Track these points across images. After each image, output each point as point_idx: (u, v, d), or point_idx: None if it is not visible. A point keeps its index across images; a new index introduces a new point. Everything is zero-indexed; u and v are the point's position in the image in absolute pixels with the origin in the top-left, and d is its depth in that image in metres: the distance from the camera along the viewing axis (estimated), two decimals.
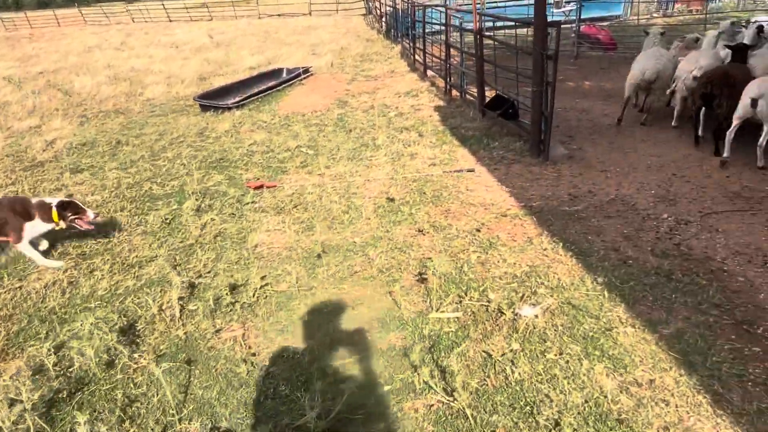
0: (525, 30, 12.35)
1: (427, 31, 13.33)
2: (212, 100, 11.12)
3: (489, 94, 9.42)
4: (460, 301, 4.20)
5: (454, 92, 11.11)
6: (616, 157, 7.39)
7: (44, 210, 4.90)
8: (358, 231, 5.54)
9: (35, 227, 4.91)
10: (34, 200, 4.95)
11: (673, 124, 8.38)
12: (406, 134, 8.82)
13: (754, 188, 6.17)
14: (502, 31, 13.36)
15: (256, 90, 12.01)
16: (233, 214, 6.08)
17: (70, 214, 4.93)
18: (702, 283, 4.31)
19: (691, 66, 7.56)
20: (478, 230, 5.37)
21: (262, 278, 4.69)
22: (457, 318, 3.96)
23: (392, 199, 6.14)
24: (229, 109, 10.64)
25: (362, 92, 12.30)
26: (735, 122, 6.52)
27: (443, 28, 11.09)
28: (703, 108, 7.15)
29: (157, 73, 15.30)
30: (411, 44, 15.10)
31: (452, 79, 11.25)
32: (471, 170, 6.99)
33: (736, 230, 5.26)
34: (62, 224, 4.95)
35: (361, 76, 14.31)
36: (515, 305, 4.06)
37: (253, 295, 4.42)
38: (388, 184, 6.66)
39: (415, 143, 8.30)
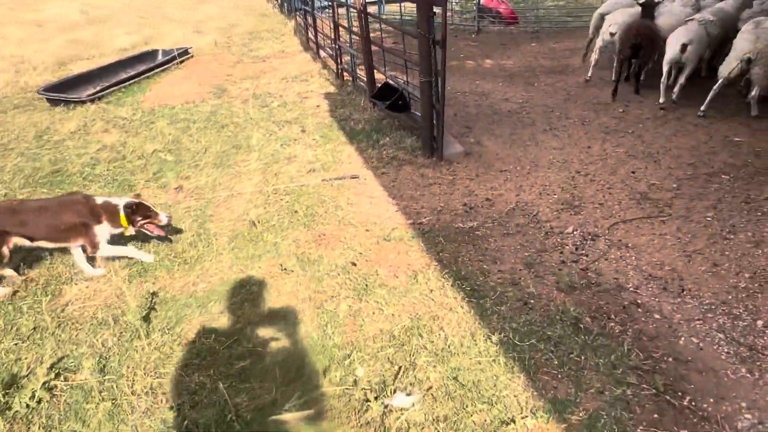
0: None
1: (317, 5, 11.94)
2: (65, 91, 9.30)
3: (382, 79, 8.29)
4: (316, 387, 3.11)
5: (347, 76, 9.89)
6: (516, 152, 6.53)
7: (111, 212, 4.15)
8: (205, 273, 4.32)
9: (103, 232, 4.15)
10: (98, 199, 4.18)
11: (588, 75, 9.09)
12: (287, 130, 7.56)
13: (660, 186, 5.48)
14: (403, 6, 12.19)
15: (120, 78, 10.23)
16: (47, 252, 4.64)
17: (140, 218, 4.22)
18: (615, 331, 3.47)
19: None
20: (354, 264, 4.30)
21: (52, 366, 3.37)
22: (306, 419, 2.87)
23: (255, 224, 4.91)
24: (83, 102, 8.89)
25: (246, 77, 10.82)
26: (665, 68, 7.41)
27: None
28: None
29: (6, 58, 12.96)
30: (304, 20, 13.65)
31: (344, 61, 10.01)
32: (354, 177, 5.88)
33: (647, 245, 4.50)
34: (131, 230, 4.25)
35: (248, 57, 12.76)
36: (386, 391, 3.02)
37: (33, 397, 3.12)
38: (254, 200, 5.43)
39: (295, 142, 7.07)
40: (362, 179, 5.93)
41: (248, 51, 13.39)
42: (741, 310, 3.73)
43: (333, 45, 10.04)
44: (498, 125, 7.46)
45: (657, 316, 3.68)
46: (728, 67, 6.66)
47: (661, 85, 7.49)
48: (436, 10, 5.68)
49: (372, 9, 15.44)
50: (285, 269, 4.34)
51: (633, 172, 5.88)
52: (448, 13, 15.53)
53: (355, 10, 7.88)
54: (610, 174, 5.88)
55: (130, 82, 10.17)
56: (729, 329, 3.54)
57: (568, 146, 6.65)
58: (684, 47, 7.02)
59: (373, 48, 7.80)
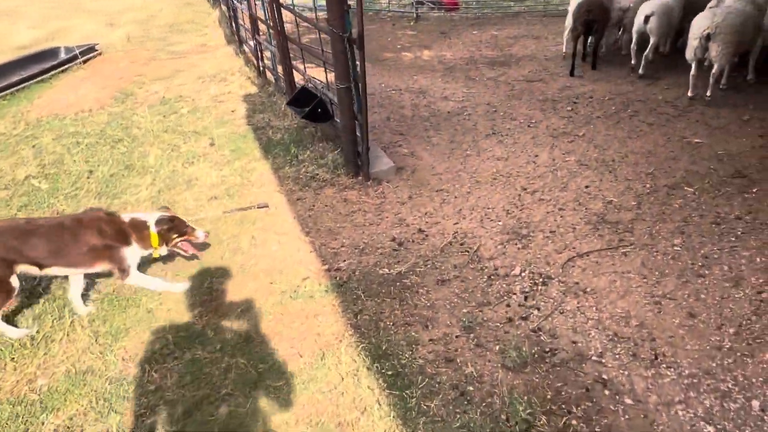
0: None
1: None
2: None
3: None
4: None
5: (270, 74, 8.72)
6: (455, 164, 5.60)
7: (140, 230, 3.50)
8: (49, 361, 3.19)
9: (133, 256, 3.51)
10: (124, 217, 3.54)
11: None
12: (193, 143, 6.39)
13: (618, 204, 4.66)
14: None
15: (6, 83, 8.75)
16: None
17: (175, 236, 3.59)
18: None
19: None
20: (248, 340, 3.27)
21: None
22: None
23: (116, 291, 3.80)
24: None
25: (158, 77, 9.49)
26: (635, 37, 7.63)
27: None
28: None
29: None
30: (227, 9, 12.27)
31: (265, 57, 8.82)
32: (263, 206, 4.82)
33: (608, 288, 3.66)
34: (163, 250, 3.62)
35: (165, 52, 11.36)
36: None
37: None
38: None
39: (201, 159, 5.93)
40: (273, 208, 4.87)
41: (166, 46, 11.98)
42: (730, 384, 2.91)
43: (253, 40, 8.83)
44: (436, 130, 6.50)
45: (629, 401, 2.82)
46: (691, 48, 6.42)
47: (633, 52, 7.88)
48: (351, 1, 4.61)
49: None
50: (156, 353, 3.26)
51: (587, 187, 5.04)
52: (384, 0, 14.45)
53: None
54: (561, 190, 5.01)
55: (19, 87, 8.70)
56: (718, 416, 2.70)
57: (513, 155, 5.75)
58: (647, 19, 7.14)
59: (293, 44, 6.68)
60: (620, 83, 7.71)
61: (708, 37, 6.12)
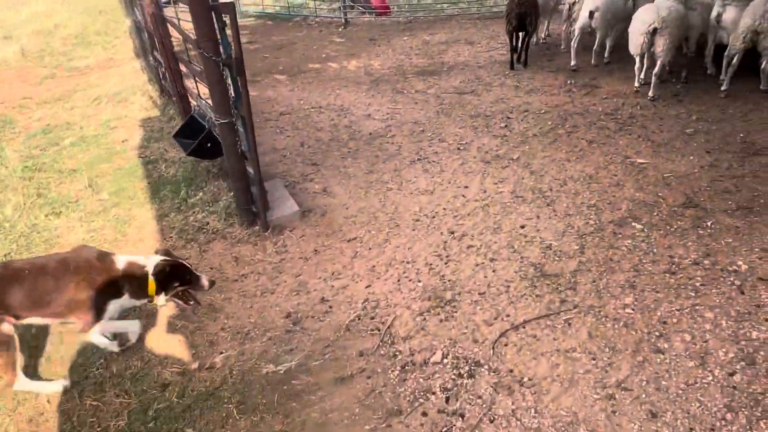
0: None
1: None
2: None
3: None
4: None
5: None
6: (373, 202, 4.73)
7: (137, 278, 2.87)
8: None
9: (115, 309, 2.90)
10: (120, 259, 2.91)
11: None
12: (66, 185, 5.27)
13: (559, 250, 3.89)
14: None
15: None
16: None
17: (177, 284, 2.94)
18: None
19: None
20: None
21: None
22: None
23: None
24: None
25: (49, 99, 8.21)
26: (577, 32, 7.45)
27: None
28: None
29: None
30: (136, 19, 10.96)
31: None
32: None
33: (550, 378, 2.88)
34: (160, 300, 2.94)
35: (65, 69, 10.03)
36: None
37: None
38: None
39: (70, 207, 4.85)
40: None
41: (67, 61, 10.63)
42: None
43: (149, 56, 7.69)
44: (354, 158, 5.58)
45: None
46: (636, 43, 6.20)
47: (573, 47, 7.67)
48: (226, 18, 3.63)
49: None
50: None
51: (522, 227, 4.22)
52: (312, 5, 13.36)
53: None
54: (493, 231, 4.18)
55: None
56: None
57: (439, 187, 4.89)
58: (591, 14, 6.99)
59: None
60: (556, 93, 7.00)
61: (654, 32, 5.93)
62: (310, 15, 12.79)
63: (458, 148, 5.71)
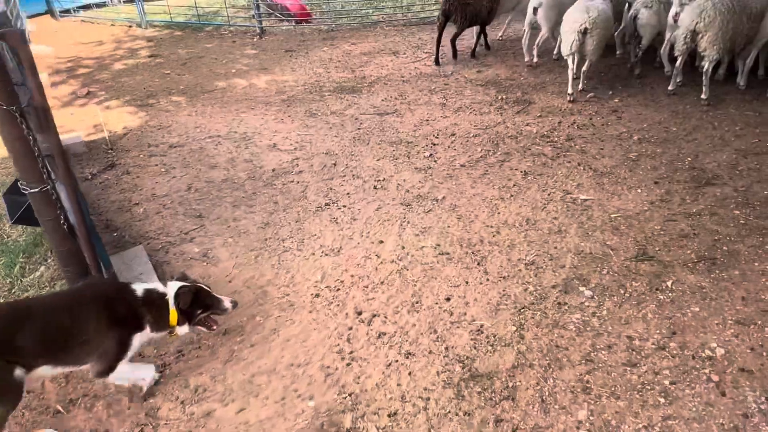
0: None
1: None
2: None
3: None
4: None
5: None
6: (264, 272, 3.80)
7: (158, 307, 2.62)
8: None
9: (137, 345, 2.61)
10: (138, 288, 2.65)
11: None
12: None
13: (492, 335, 3.08)
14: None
15: None
16: None
17: (200, 312, 2.74)
18: None
19: None
20: None
21: None
22: None
23: None
24: None
25: None
26: (526, 28, 7.38)
27: None
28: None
29: None
30: None
31: None
32: None
33: None
34: (182, 330, 2.72)
35: None
36: None
37: None
38: None
39: None
40: None
41: None
42: None
43: None
44: (249, 205, 4.54)
45: None
46: (567, 43, 6.05)
47: (526, 43, 7.60)
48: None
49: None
50: None
51: (448, 300, 3.31)
52: (226, 13, 11.99)
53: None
54: (411, 309, 3.24)
55: None
56: None
57: (349, 244, 3.91)
58: (535, 10, 6.97)
59: None
60: (487, 111, 6.17)
61: (585, 32, 5.87)
62: (223, 24, 11.53)
63: (374, 187, 4.73)
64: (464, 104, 6.50)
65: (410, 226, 4.14)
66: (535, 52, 7.57)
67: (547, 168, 4.87)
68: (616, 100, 6.25)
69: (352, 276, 3.63)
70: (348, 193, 4.68)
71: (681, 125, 5.52)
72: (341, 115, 6.50)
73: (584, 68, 6.34)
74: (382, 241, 3.98)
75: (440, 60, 8.04)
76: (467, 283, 3.50)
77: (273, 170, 5.20)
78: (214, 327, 2.92)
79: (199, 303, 2.74)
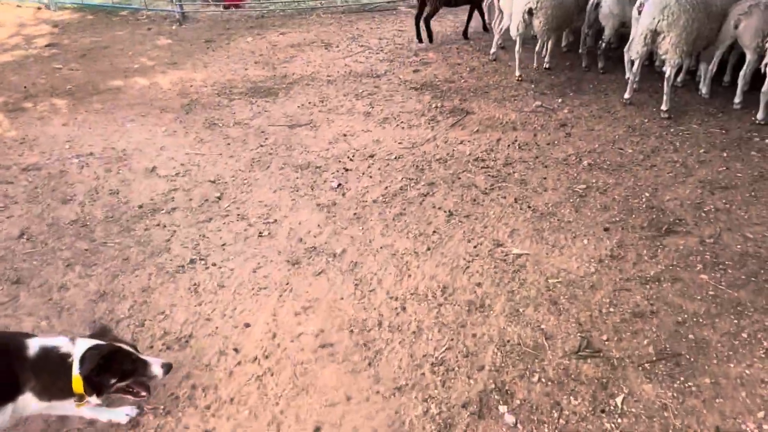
0: None
1: None
2: None
3: None
4: None
5: None
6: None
7: (52, 372, 2.05)
8: None
9: (24, 408, 2.05)
10: (31, 344, 2.07)
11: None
12: None
13: None
14: None
15: None
16: None
17: (114, 381, 2.12)
18: None
19: None
20: None
21: None
22: None
23: None
24: None
25: None
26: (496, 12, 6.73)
27: None
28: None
29: None
30: None
31: None
32: None
33: None
34: (93, 400, 2.12)
35: None
36: None
37: None
38: None
39: None
40: None
41: None
42: None
43: None
44: (90, 263, 3.53)
45: None
46: (514, 24, 5.67)
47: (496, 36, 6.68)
48: None
49: None
50: None
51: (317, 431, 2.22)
52: None
53: None
54: None
55: None
56: None
57: (201, 330, 2.97)
58: None
59: None
60: (417, 123, 5.17)
61: (530, 12, 5.48)
62: (141, 8, 10.07)
63: (260, 234, 3.64)
64: (392, 114, 5.41)
65: (292, 298, 3.07)
66: (496, 39, 6.69)
67: (477, 206, 3.86)
68: (566, 111, 5.27)
69: (192, 387, 2.54)
70: (224, 244, 3.57)
71: (638, 145, 4.58)
72: (245, 126, 5.34)
73: (537, 48, 6.09)
74: (248, 325, 2.90)
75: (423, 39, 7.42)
76: (349, 399, 2.46)
77: (140, 206, 4.05)
78: (143, 395, 2.28)
79: (113, 370, 2.08)
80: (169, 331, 2.89)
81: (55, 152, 4.97)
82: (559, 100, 5.53)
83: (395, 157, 4.62)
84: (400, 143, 4.86)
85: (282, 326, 2.90)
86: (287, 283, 3.21)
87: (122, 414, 2.38)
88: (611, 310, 2.92)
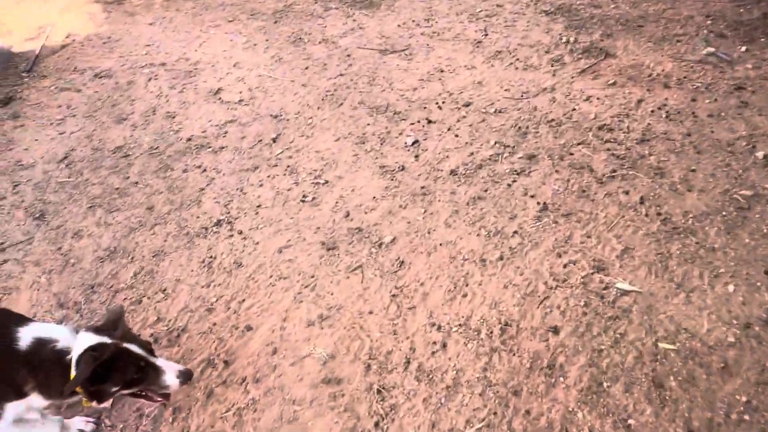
0: None
1: None
2: None
3: None
4: None
5: None
6: None
7: (48, 371, 1.68)
8: None
9: (26, 406, 1.73)
10: (24, 333, 1.70)
11: None
12: None
13: None
14: None
15: None
16: None
17: (116, 390, 1.71)
18: None
19: None
20: None
21: None
22: None
23: None
24: None
25: None
26: None
27: None
28: None
29: None
30: None
31: None
32: None
33: None
34: (91, 404, 1.73)
35: None
36: None
37: None
38: None
39: None
40: None
41: None
42: None
43: None
44: (111, 207, 3.26)
45: None
46: None
47: None
48: None
49: None
50: None
51: None
52: None
53: None
54: None
55: None
56: None
57: (196, 326, 2.49)
58: None
59: None
60: (536, 64, 4.11)
61: None
62: None
63: (302, 198, 2.98)
64: (508, 46, 4.26)
65: (311, 300, 2.42)
66: None
67: (584, 200, 2.82)
68: (749, 66, 3.76)
69: (163, 405, 2.06)
70: (259, 206, 2.96)
71: None
72: (332, 45, 4.52)
73: None
74: (250, 328, 2.33)
75: None
76: None
77: (188, 139, 3.53)
78: (158, 399, 1.90)
79: (113, 379, 1.66)
80: (163, 318, 2.39)
81: (130, 59, 4.56)
82: (743, 49, 3.96)
83: (495, 111, 3.57)
84: (506, 90, 3.76)
85: (287, 340, 2.28)
86: (312, 276, 2.54)
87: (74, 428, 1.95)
88: (746, 417, 1.90)
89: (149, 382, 1.77)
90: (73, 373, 1.65)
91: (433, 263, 2.59)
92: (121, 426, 2.04)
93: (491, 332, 2.27)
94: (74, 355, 1.67)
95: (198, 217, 2.94)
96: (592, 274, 2.48)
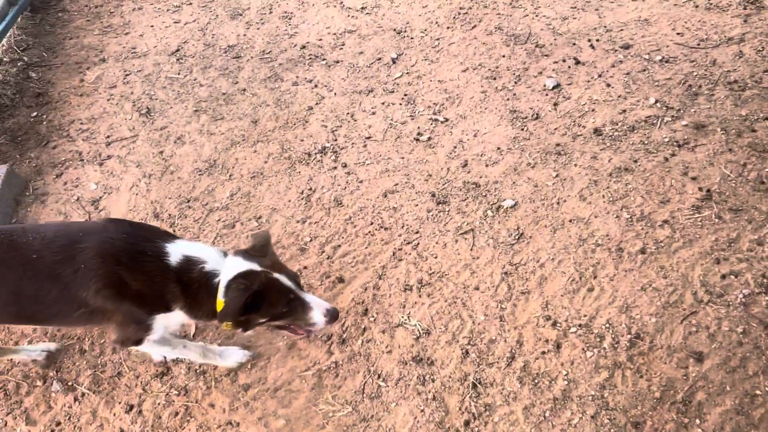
0: None
1: None
2: None
3: None
4: None
5: None
6: None
7: (195, 292, 1.57)
8: None
9: (169, 322, 1.67)
10: (174, 250, 1.58)
11: None
12: None
13: None
14: None
15: None
16: None
17: (264, 321, 1.63)
18: None
19: None
20: None
21: None
22: None
23: None
24: None
25: None
26: None
27: None
28: None
29: None
30: None
31: None
32: None
33: None
34: (236, 330, 1.80)
35: None
36: None
37: None
38: None
39: None
40: None
41: None
42: None
43: None
44: (216, 115, 3.06)
45: None
46: None
47: None
48: None
49: None
50: None
51: None
52: None
53: None
54: None
55: None
56: None
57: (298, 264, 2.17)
58: None
59: None
60: (724, 2, 3.18)
61: None
62: None
63: (417, 137, 2.65)
64: None
65: (411, 260, 2.16)
66: None
67: (760, 195, 2.27)
68: None
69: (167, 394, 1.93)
70: (369, 138, 2.65)
71: None
72: None
73: None
74: (342, 280, 2.12)
75: None
76: None
77: (303, 47, 3.21)
78: (301, 333, 1.79)
79: (261, 310, 1.58)
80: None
81: None
82: None
83: (661, 59, 2.89)
84: (679, 34, 3.03)
85: (380, 302, 2.03)
86: (416, 232, 2.23)
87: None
88: None
89: (296, 317, 1.65)
90: (220, 297, 1.55)
91: (558, 242, 2.17)
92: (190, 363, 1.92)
93: (617, 342, 1.87)
94: (222, 279, 1.56)
95: (302, 140, 2.66)
96: (759, 294, 1.96)
